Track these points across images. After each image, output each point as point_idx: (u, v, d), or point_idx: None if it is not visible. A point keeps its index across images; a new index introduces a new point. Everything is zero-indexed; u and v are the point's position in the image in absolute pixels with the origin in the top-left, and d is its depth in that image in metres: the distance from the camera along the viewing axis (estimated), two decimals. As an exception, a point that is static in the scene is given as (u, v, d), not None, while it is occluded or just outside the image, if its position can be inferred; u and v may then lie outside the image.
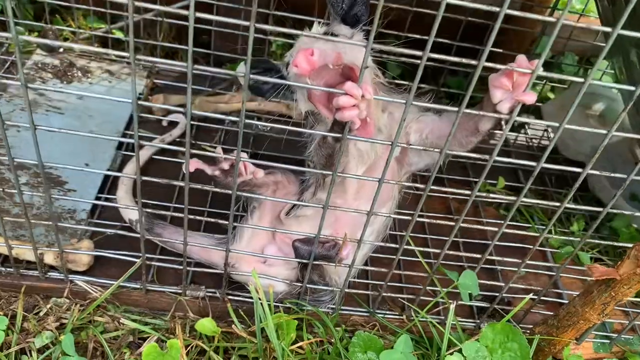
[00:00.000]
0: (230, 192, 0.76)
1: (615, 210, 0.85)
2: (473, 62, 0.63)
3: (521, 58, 0.66)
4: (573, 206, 0.83)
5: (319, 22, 0.84)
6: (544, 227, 0.93)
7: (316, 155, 0.85)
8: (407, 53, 0.63)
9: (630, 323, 1.01)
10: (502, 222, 0.87)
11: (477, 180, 0.76)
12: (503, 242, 1.20)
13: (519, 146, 1.53)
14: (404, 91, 0.90)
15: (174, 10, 0.62)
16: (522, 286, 1.14)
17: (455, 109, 0.68)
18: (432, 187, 0.76)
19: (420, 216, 1.23)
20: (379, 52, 0.84)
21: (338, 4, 0.83)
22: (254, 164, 0.88)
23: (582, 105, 1.48)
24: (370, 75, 0.84)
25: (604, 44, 1.36)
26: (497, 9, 0.59)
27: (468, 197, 0.78)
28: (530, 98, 0.66)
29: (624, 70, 1.18)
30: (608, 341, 1.05)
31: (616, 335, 1.04)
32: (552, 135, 1.57)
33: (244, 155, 0.86)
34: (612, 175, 0.78)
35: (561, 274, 1.18)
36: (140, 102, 0.68)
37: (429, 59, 0.62)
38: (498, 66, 0.66)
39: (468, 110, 0.69)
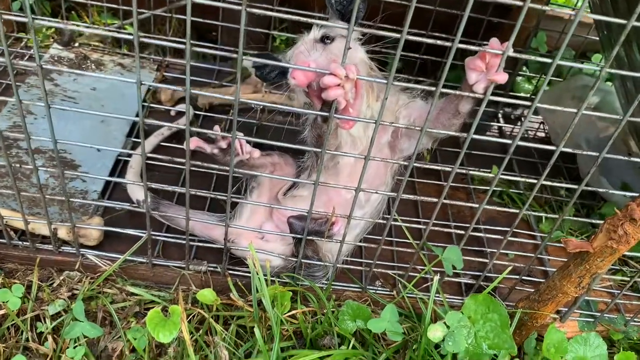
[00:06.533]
0: (228, 168, 0.83)
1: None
2: (447, 43, 0.69)
3: (494, 41, 0.72)
4: (549, 183, 0.88)
5: (317, 26, 0.90)
6: (535, 214, 0.99)
7: (309, 137, 0.92)
8: (385, 35, 0.68)
9: (613, 302, 1.06)
10: (493, 208, 0.93)
11: (471, 169, 0.83)
12: (494, 227, 1.26)
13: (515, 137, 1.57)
14: (399, 81, 0.96)
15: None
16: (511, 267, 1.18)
17: (433, 88, 0.74)
18: (426, 178, 0.82)
19: (414, 203, 1.29)
20: (375, 51, 0.91)
21: (336, 0, 0.89)
22: (250, 143, 0.94)
23: (577, 98, 1.52)
24: (366, 69, 0.91)
25: (596, 38, 1.40)
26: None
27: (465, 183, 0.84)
28: (502, 77, 0.71)
29: (615, 63, 1.23)
30: (592, 320, 1.09)
31: (600, 314, 1.09)
32: (546, 127, 1.61)
33: (240, 134, 0.92)
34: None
35: (550, 258, 1.23)
36: (143, 83, 0.75)
37: (426, 53, 0.68)
38: (472, 47, 0.71)
39: (446, 91, 0.74)
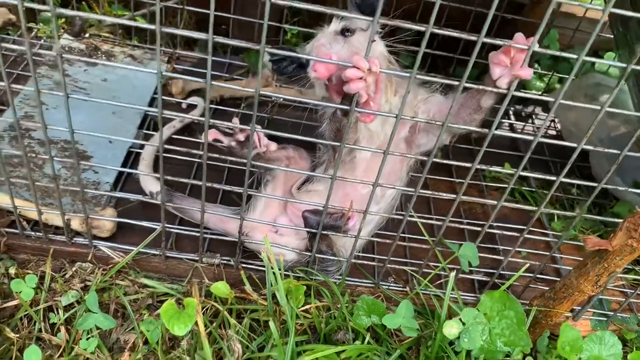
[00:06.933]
0: (245, 160, 0.82)
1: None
2: (473, 37, 0.68)
3: (519, 35, 0.71)
4: (568, 181, 0.87)
5: (338, 18, 0.89)
6: (548, 211, 0.99)
7: (327, 131, 0.91)
8: (411, 27, 0.68)
9: (626, 301, 1.05)
10: (507, 205, 0.93)
11: (484, 167, 0.83)
12: (507, 224, 1.25)
13: (525, 134, 1.57)
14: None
15: None
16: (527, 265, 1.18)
17: (457, 82, 0.73)
18: (438, 174, 0.81)
19: (427, 199, 1.29)
20: (393, 43, 0.91)
21: None
22: (267, 136, 0.94)
23: (589, 96, 1.51)
24: (385, 63, 0.90)
25: (610, 36, 1.39)
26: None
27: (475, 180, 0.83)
28: (526, 73, 0.71)
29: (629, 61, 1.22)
30: (605, 319, 1.09)
31: (613, 313, 1.08)
32: (559, 125, 1.60)
33: (258, 127, 0.91)
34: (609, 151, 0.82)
35: (563, 256, 1.22)
36: (163, 73, 0.74)
37: (438, 49, 0.67)
38: (498, 42, 0.70)
39: (469, 85, 0.73)
